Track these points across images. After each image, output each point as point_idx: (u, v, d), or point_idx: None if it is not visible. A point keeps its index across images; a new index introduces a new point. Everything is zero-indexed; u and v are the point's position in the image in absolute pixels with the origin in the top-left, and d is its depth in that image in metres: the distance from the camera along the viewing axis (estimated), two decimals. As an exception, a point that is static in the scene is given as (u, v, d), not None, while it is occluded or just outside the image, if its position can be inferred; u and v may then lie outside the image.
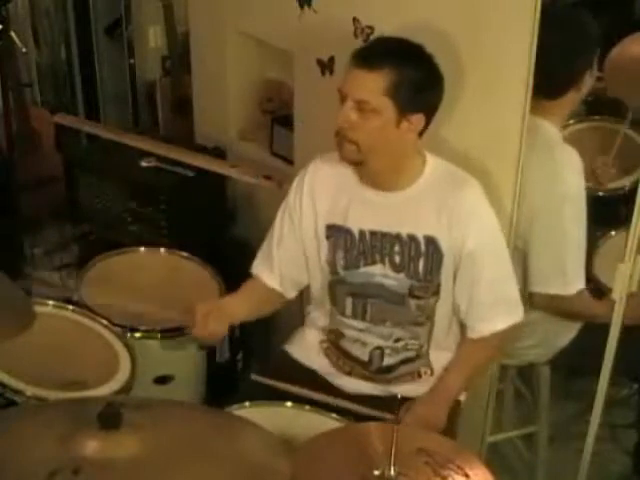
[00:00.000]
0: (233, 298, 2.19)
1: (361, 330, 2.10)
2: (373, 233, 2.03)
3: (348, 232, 2.04)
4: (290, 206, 2.13)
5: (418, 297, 2.03)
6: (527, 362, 2.46)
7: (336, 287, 2.10)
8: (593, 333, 2.25)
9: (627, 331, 2.14)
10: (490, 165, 2.13)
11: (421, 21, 2.14)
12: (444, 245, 1.99)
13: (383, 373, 2.11)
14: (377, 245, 2.03)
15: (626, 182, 2.80)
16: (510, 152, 2.10)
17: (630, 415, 2.81)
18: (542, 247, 2.21)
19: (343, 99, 1.92)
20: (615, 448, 2.80)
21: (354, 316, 2.09)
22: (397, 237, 2.01)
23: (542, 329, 2.34)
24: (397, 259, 2.02)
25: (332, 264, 2.08)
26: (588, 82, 2.24)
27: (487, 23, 2.05)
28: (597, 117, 3.00)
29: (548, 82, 2.09)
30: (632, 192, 2.15)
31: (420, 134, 1.97)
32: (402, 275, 2.02)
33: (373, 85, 1.87)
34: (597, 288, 2.40)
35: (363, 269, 2.04)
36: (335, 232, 2.06)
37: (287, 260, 2.15)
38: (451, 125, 2.17)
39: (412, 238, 2.00)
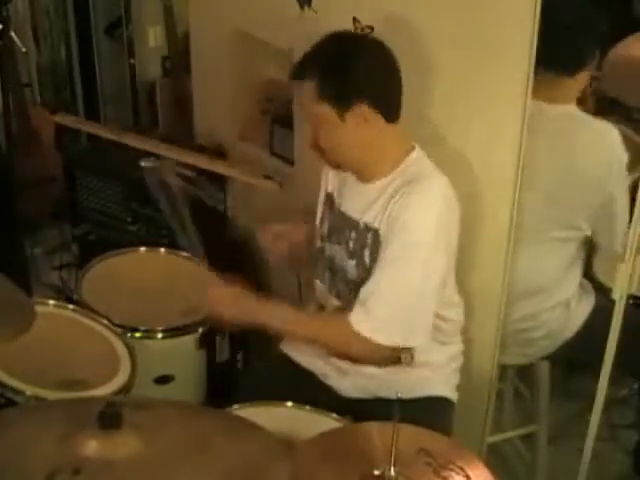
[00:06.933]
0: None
1: (337, 308, 2.10)
2: (343, 215, 2.07)
3: (335, 207, 2.11)
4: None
5: None
6: (532, 358, 2.47)
7: (318, 256, 2.15)
8: (596, 327, 2.26)
9: (630, 330, 2.15)
10: (491, 161, 2.14)
11: (421, 20, 2.14)
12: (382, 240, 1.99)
13: None
14: (342, 227, 2.07)
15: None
16: (510, 148, 2.09)
17: (630, 415, 2.82)
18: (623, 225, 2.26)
19: None
20: (615, 448, 2.80)
21: (330, 291, 2.12)
22: (356, 224, 2.03)
23: (551, 320, 2.35)
24: (351, 245, 2.04)
25: (320, 230, 2.15)
26: (597, 57, 2.33)
27: (487, 23, 2.05)
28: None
29: (571, 56, 2.21)
30: (632, 192, 2.16)
31: (390, 121, 1.95)
32: (352, 262, 2.04)
33: (304, 96, 1.94)
34: (597, 288, 2.41)
35: (334, 246, 2.09)
36: (328, 202, 2.14)
37: None
38: (451, 122, 2.17)
39: (366, 228, 2.01)
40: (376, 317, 1.93)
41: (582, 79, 2.30)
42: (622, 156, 2.25)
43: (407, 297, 1.93)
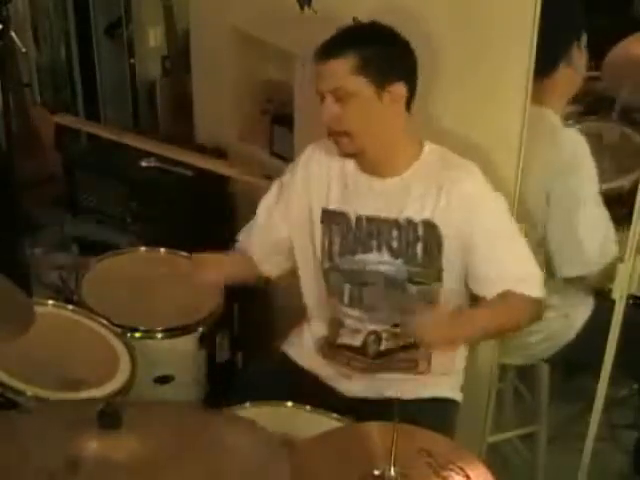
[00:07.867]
0: (229, 257, 2.24)
1: (358, 319, 2.09)
2: (371, 219, 2.03)
3: (345, 218, 2.05)
4: (284, 186, 2.17)
5: (419, 283, 2.02)
6: (532, 360, 2.46)
7: (330, 275, 2.10)
8: (596, 328, 2.26)
9: (631, 330, 2.15)
10: (491, 158, 2.13)
11: (422, 21, 2.14)
12: (444, 229, 1.98)
13: (380, 358, 2.10)
14: (374, 231, 2.03)
15: (625, 182, 2.80)
16: (511, 145, 2.09)
17: (630, 415, 2.82)
18: (562, 232, 2.21)
19: (322, 99, 1.95)
20: (615, 448, 2.80)
21: (351, 304, 2.09)
22: (395, 222, 2.01)
23: (553, 323, 2.35)
24: (395, 245, 2.01)
25: (327, 250, 2.08)
26: (578, 57, 2.24)
27: (488, 21, 2.05)
28: (595, 117, 3.00)
29: (540, 57, 2.05)
30: (631, 192, 2.15)
31: (408, 108, 1.97)
32: (400, 261, 2.02)
33: (340, 70, 1.90)
34: (597, 288, 2.41)
35: (359, 256, 2.05)
36: (331, 217, 2.07)
37: (268, 236, 2.19)
38: (451, 118, 2.17)
39: (410, 222, 1.99)
40: (535, 275, 2.01)
41: (562, 78, 2.24)
42: (580, 166, 2.17)
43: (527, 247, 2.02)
